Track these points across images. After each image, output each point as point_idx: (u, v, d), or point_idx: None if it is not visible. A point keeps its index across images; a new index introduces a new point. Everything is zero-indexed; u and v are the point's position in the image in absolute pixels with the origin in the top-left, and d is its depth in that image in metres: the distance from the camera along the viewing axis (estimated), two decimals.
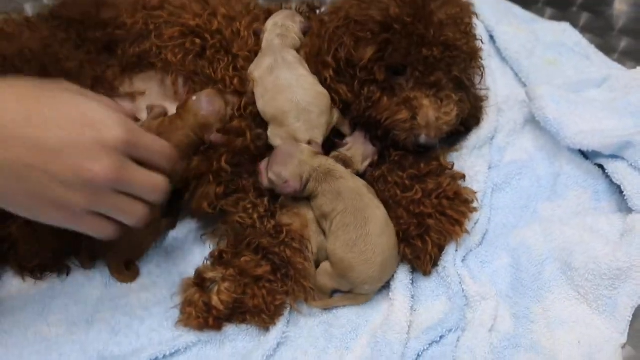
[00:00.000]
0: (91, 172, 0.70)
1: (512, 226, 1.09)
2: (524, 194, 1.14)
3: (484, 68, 1.17)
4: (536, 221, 1.08)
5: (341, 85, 1.06)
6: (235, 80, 1.07)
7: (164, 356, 0.92)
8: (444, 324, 0.95)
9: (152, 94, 1.09)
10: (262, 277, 0.96)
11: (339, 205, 0.97)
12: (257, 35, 1.13)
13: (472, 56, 1.08)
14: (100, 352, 0.94)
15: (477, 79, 1.17)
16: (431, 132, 1.02)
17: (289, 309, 0.98)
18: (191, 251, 1.08)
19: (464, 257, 1.03)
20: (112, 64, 1.08)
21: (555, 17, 1.49)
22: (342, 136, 1.11)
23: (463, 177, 1.09)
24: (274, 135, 1.06)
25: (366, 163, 1.08)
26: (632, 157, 1.06)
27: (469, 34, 1.05)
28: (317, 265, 1.02)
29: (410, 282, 1.00)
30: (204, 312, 0.94)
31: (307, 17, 1.16)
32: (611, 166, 1.09)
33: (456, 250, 1.02)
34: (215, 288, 0.95)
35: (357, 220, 0.95)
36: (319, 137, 1.05)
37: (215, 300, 0.94)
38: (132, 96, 1.07)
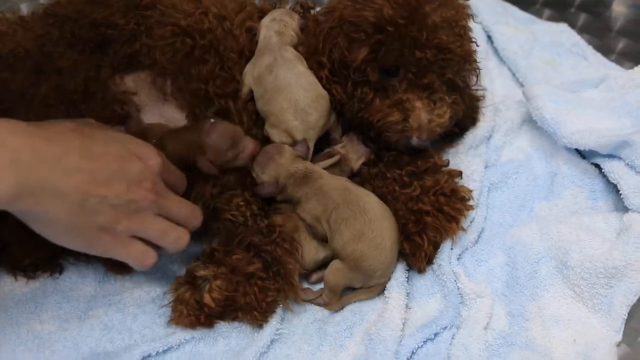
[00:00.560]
0: (139, 195, 0.80)
1: (509, 225, 1.10)
2: (521, 193, 1.15)
3: (479, 70, 1.18)
4: (533, 220, 1.09)
5: (336, 86, 1.07)
6: (218, 81, 1.07)
7: (157, 353, 0.93)
8: (439, 322, 0.95)
9: (143, 94, 1.09)
10: (254, 274, 0.96)
11: (329, 203, 0.98)
12: (252, 33, 1.14)
13: (466, 59, 1.09)
14: (92, 348, 0.95)
15: (473, 80, 1.18)
16: (423, 135, 1.03)
17: (282, 306, 0.99)
18: (185, 250, 1.03)
19: (460, 255, 1.04)
20: (104, 64, 1.09)
21: (553, 18, 1.50)
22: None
23: (460, 174, 1.10)
24: (272, 133, 1.07)
25: (360, 161, 1.09)
26: (629, 156, 1.06)
27: (463, 37, 1.06)
28: (307, 277, 1.04)
29: (406, 279, 1.01)
30: (196, 309, 0.95)
31: (302, 16, 1.18)
32: (608, 165, 1.09)
33: (451, 249, 1.03)
34: (207, 286, 0.96)
35: (354, 211, 0.96)
36: (313, 138, 1.06)
37: (207, 298, 0.95)
38: (123, 95, 1.07)
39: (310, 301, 1.01)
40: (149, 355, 0.93)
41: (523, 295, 1.00)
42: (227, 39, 1.10)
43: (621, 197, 1.06)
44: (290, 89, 1.04)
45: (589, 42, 1.43)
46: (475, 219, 1.08)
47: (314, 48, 1.09)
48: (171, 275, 1.03)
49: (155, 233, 0.84)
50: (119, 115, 1.05)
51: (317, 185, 1.00)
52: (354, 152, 1.10)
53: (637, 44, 1.44)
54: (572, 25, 1.47)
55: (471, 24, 1.12)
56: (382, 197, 1.03)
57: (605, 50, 1.41)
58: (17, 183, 0.70)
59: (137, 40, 1.08)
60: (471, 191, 1.08)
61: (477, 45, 1.14)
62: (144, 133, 1.02)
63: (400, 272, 1.01)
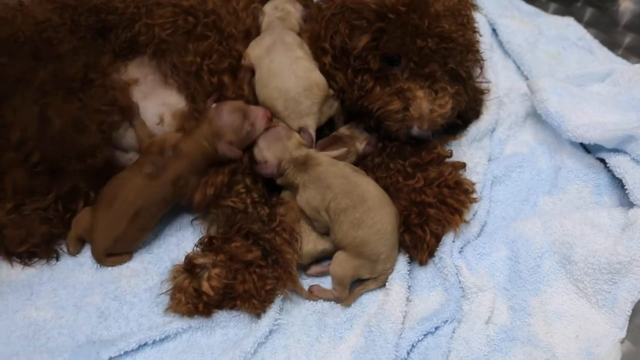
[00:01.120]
0: None
1: (512, 219, 1.10)
2: (524, 187, 1.15)
3: (483, 61, 1.18)
4: (536, 214, 1.09)
5: (338, 73, 1.07)
6: (214, 56, 1.08)
7: (154, 342, 0.94)
8: (440, 315, 0.95)
9: (147, 81, 1.10)
10: (253, 262, 0.97)
11: (327, 193, 0.98)
12: (255, 16, 1.14)
13: (468, 48, 1.08)
14: (88, 336, 0.96)
15: (476, 72, 1.18)
16: (424, 125, 1.03)
17: (281, 297, 0.99)
18: (184, 238, 1.09)
19: (462, 248, 1.04)
20: (105, 50, 1.09)
21: (559, 12, 1.51)
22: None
23: (464, 166, 1.10)
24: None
25: (364, 144, 1.10)
26: (635, 150, 1.07)
27: (466, 26, 1.06)
28: (305, 269, 1.04)
29: (408, 272, 1.01)
30: (194, 298, 0.95)
31: (305, 4, 1.19)
32: (613, 160, 1.10)
33: (453, 241, 1.03)
34: (206, 274, 0.96)
35: (353, 200, 0.97)
36: (311, 125, 1.06)
37: (205, 286, 0.95)
38: (126, 83, 1.08)
39: (322, 297, 1.01)
40: (146, 344, 0.93)
41: (525, 289, 1.00)
42: (231, 19, 1.11)
43: (626, 192, 1.06)
44: (282, 76, 1.05)
45: (595, 37, 1.43)
46: (478, 212, 1.08)
47: (317, 35, 1.09)
48: (169, 264, 1.04)
49: None
50: (119, 106, 1.06)
51: (315, 172, 1.00)
52: (359, 134, 1.10)
53: None
54: (579, 19, 1.47)
55: (476, 16, 1.12)
56: (385, 189, 1.03)
57: (611, 44, 1.42)
58: None
59: (137, 22, 1.09)
60: (474, 184, 1.08)
61: (480, 35, 1.14)
62: (160, 145, 1.03)
63: (402, 265, 1.01)
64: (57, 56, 1.03)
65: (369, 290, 1.01)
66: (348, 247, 0.98)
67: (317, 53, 1.08)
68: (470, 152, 1.16)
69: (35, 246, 1.02)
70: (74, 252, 1.05)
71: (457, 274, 1.00)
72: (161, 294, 0.99)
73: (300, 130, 1.05)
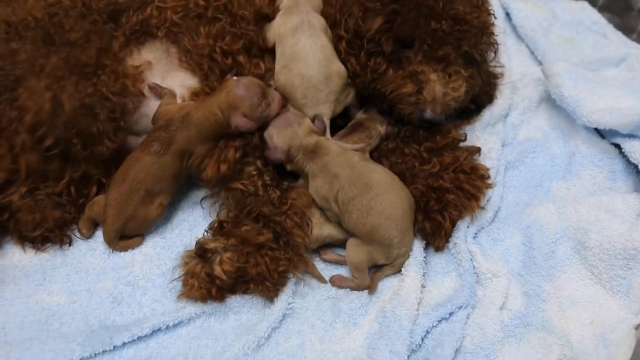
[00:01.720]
0: None
1: (525, 204, 1.11)
2: (538, 173, 1.15)
3: (497, 44, 1.18)
4: (550, 200, 1.10)
5: (350, 57, 1.08)
6: (227, 37, 1.08)
7: (167, 327, 0.94)
8: (454, 301, 0.96)
9: (161, 64, 1.10)
10: (264, 244, 0.98)
11: (335, 182, 0.99)
12: None
13: (483, 31, 1.08)
14: (102, 321, 0.96)
15: (490, 55, 1.18)
16: (437, 108, 1.04)
17: (295, 281, 1.00)
18: (196, 223, 1.09)
19: (476, 234, 1.05)
20: (117, 35, 1.09)
21: None
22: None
23: (479, 150, 1.11)
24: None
25: (384, 126, 1.10)
26: None
27: (480, 8, 1.06)
28: (320, 254, 1.06)
29: (424, 259, 1.01)
30: (207, 282, 0.96)
31: None
32: (628, 145, 1.10)
33: (468, 227, 1.04)
34: (217, 258, 0.97)
35: (359, 189, 0.98)
36: (327, 113, 1.07)
37: (217, 270, 0.96)
38: (139, 69, 1.08)
39: (344, 287, 1.01)
40: (159, 329, 0.94)
41: (540, 275, 1.01)
42: (242, 1, 1.11)
43: None
44: (307, 61, 1.05)
45: (610, 21, 1.43)
46: (492, 198, 1.09)
47: (332, 20, 1.10)
48: (181, 250, 1.04)
49: None
50: (131, 92, 1.06)
51: (323, 161, 1.01)
52: (377, 116, 1.11)
53: None
54: (593, 3, 1.47)
55: None
56: (401, 174, 1.04)
57: (626, 29, 1.42)
58: None
59: (149, 5, 1.09)
60: (489, 169, 1.09)
61: (495, 17, 1.14)
62: (165, 116, 1.04)
63: (418, 251, 1.02)
64: (69, 41, 1.03)
65: (386, 276, 1.02)
66: (360, 234, 0.99)
67: (334, 40, 1.09)
68: (484, 137, 1.17)
69: (49, 231, 1.03)
70: (87, 233, 1.06)
71: (471, 259, 1.01)
72: (173, 279, 1.00)
73: (315, 117, 1.05)
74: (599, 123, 1.11)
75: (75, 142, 1.01)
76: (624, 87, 1.17)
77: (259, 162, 1.05)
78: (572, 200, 1.08)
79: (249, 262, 0.97)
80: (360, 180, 0.98)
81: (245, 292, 0.99)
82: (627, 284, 0.96)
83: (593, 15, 1.44)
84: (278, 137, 1.03)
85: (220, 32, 1.08)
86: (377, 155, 1.10)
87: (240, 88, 1.02)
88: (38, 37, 1.03)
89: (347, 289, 1.01)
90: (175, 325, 0.95)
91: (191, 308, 0.96)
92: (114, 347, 0.92)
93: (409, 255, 1.00)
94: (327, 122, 1.07)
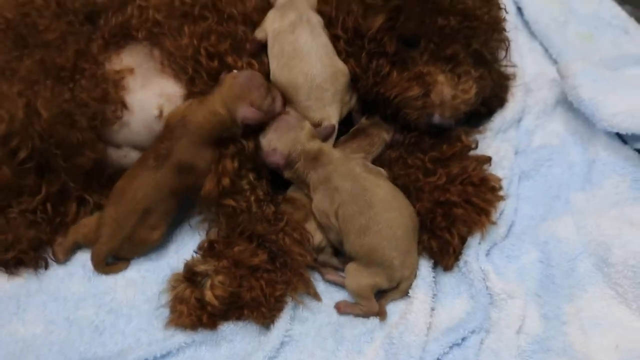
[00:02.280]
0: None
1: (542, 218, 1.09)
2: (555, 183, 1.14)
3: (509, 42, 1.17)
4: (568, 212, 1.08)
5: (350, 59, 1.06)
6: (212, 37, 1.06)
7: (154, 358, 0.93)
8: (466, 325, 0.94)
9: (142, 70, 1.08)
10: (259, 266, 0.96)
11: (336, 197, 0.98)
12: None
13: (494, 27, 1.07)
14: (82, 353, 0.95)
15: (501, 54, 1.17)
16: (446, 112, 1.02)
17: (293, 305, 0.98)
18: (184, 243, 1.09)
19: (488, 251, 1.04)
20: (95, 37, 1.08)
21: None
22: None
23: (489, 160, 1.09)
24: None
25: (391, 134, 1.10)
26: None
27: (491, 2, 1.05)
28: (322, 274, 1.04)
29: (433, 280, 1.00)
30: (197, 309, 0.94)
31: None
32: None
33: (479, 244, 1.02)
34: (208, 282, 0.95)
35: (360, 206, 0.97)
36: (333, 116, 1.06)
37: (208, 295, 0.94)
38: (119, 74, 1.07)
39: (350, 314, 1.00)
40: None
41: (559, 295, 0.99)
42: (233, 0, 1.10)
43: None
44: (309, 59, 1.03)
45: (631, 14, 1.41)
46: (505, 211, 1.07)
47: (327, 17, 1.08)
48: (168, 272, 1.03)
49: None
50: (112, 98, 1.04)
51: (325, 171, 1.00)
52: (382, 122, 1.10)
53: None
54: None
55: None
56: (405, 188, 1.03)
57: None
58: None
59: (129, 4, 1.08)
60: (501, 180, 1.07)
61: (507, 12, 1.12)
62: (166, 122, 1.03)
63: (426, 271, 1.00)
64: (44, 42, 1.02)
65: (394, 300, 1.00)
66: (357, 256, 0.98)
67: (331, 41, 1.07)
68: (495, 144, 1.15)
69: (23, 252, 1.01)
70: (62, 259, 1.04)
71: (484, 279, 0.99)
72: (160, 306, 0.98)
73: (322, 121, 1.05)
74: (620, 127, 1.09)
75: (54, 152, 1.00)
76: None
77: (251, 175, 1.03)
78: (593, 212, 1.06)
79: (242, 286, 0.95)
80: (362, 196, 0.97)
81: (238, 318, 0.97)
82: None
83: (613, 8, 1.41)
84: (279, 140, 1.01)
85: (205, 32, 1.06)
86: (379, 164, 1.08)
87: (242, 78, 1.01)
88: (9, 39, 1.02)
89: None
90: (163, 356, 0.94)
91: (180, 337, 0.95)
92: None
93: (414, 278, 0.99)
94: (336, 126, 1.06)
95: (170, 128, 1.01)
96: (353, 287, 0.98)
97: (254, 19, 1.10)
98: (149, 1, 1.07)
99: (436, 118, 1.03)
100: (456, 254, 1.01)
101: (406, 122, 1.06)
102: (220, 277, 0.95)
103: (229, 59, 1.07)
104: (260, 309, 0.95)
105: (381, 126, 1.10)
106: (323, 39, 1.06)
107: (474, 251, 1.01)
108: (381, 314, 0.98)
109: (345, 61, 1.06)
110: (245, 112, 1.00)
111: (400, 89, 1.03)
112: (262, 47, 1.08)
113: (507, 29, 1.16)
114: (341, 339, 0.96)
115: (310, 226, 1.03)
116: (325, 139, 1.04)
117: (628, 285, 0.96)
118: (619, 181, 1.11)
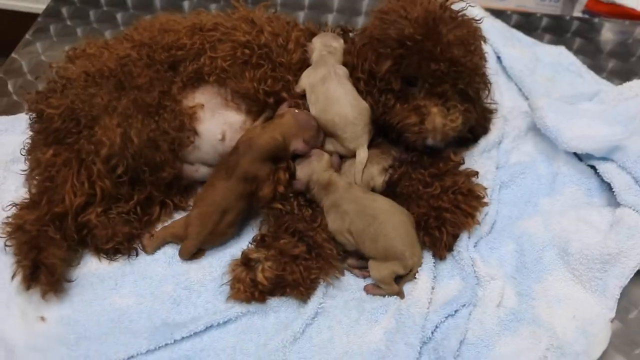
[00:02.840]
0: None
1: (517, 218, 1.10)
2: (527, 190, 1.14)
3: (490, 83, 1.18)
4: (537, 213, 1.09)
5: (367, 95, 1.09)
6: (269, 81, 1.10)
7: (218, 324, 0.95)
8: (458, 300, 0.96)
9: (211, 104, 1.11)
10: (299, 256, 0.98)
11: (345, 218, 1.00)
12: (305, 50, 1.16)
13: (475, 71, 1.08)
14: (164, 319, 0.97)
15: (485, 93, 1.18)
16: (437, 136, 1.04)
17: (325, 284, 1.00)
18: (242, 236, 1.10)
19: (476, 243, 1.04)
20: (175, 81, 1.11)
21: (553, 42, 1.50)
22: None
23: (476, 174, 1.10)
24: (327, 141, 1.10)
25: (399, 153, 1.10)
26: (620, 158, 1.08)
27: (473, 53, 1.06)
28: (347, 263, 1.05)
29: (433, 265, 1.01)
30: (251, 287, 0.96)
31: (343, 37, 1.20)
32: (602, 167, 1.11)
33: (469, 238, 1.03)
34: (260, 266, 0.97)
35: (366, 220, 0.98)
36: (364, 143, 1.08)
37: (260, 276, 0.96)
38: (193, 109, 1.10)
39: (376, 294, 1.01)
40: (211, 326, 0.95)
41: (530, 277, 1.00)
42: (280, 51, 1.13)
43: (614, 193, 1.07)
44: (339, 102, 1.06)
45: (584, 62, 1.42)
46: (489, 213, 1.08)
47: (351, 65, 1.11)
48: (229, 258, 1.05)
49: None
50: (187, 128, 1.07)
51: (333, 198, 1.02)
52: (386, 149, 1.12)
53: (624, 64, 1.45)
54: (569, 47, 1.47)
55: (484, 47, 1.12)
56: (408, 196, 1.04)
57: (597, 69, 1.41)
58: None
59: (202, 55, 1.10)
60: (486, 189, 1.08)
61: (486, 60, 1.14)
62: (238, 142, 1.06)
63: (428, 258, 1.02)
64: (137, 86, 1.05)
65: (409, 281, 1.01)
66: (377, 256, 0.99)
67: (354, 83, 1.10)
68: (481, 161, 1.16)
69: (119, 244, 1.04)
70: (152, 252, 1.06)
71: (472, 265, 1.00)
72: (223, 284, 1.00)
73: (356, 149, 1.07)
74: (577, 148, 1.11)
75: (142, 169, 1.03)
76: (597, 118, 1.17)
77: None
78: (556, 213, 1.07)
79: (286, 270, 0.97)
80: (366, 212, 0.99)
81: (282, 295, 0.99)
82: (603, 284, 0.97)
83: (570, 57, 1.43)
84: (301, 171, 1.04)
85: (263, 76, 1.09)
86: (396, 177, 1.09)
87: (302, 119, 1.04)
88: (111, 84, 1.05)
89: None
90: (224, 323, 0.96)
91: (238, 308, 0.97)
92: (174, 341, 0.93)
93: (421, 264, 1.00)
94: (366, 151, 1.08)
95: (237, 146, 1.04)
96: (377, 277, 0.98)
97: (297, 68, 1.14)
98: (217, 53, 1.09)
99: (429, 141, 1.04)
100: (448, 247, 1.02)
101: (406, 143, 1.08)
102: (269, 263, 0.97)
103: (284, 94, 1.11)
104: (299, 287, 0.97)
105: (385, 156, 1.10)
106: (348, 86, 1.08)
107: (464, 243, 1.02)
108: (400, 294, 0.98)
109: (364, 99, 1.08)
110: (298, 145, 1.03)
111: (401, 117, 1.05)
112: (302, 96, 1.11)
113: (490, 73, 1.17)
114: (362, 310, 0.97)
115: None
116: (337, 167, 1.06)
117: (583, 270, 0.98)
118: (576, 189, 1.13)
